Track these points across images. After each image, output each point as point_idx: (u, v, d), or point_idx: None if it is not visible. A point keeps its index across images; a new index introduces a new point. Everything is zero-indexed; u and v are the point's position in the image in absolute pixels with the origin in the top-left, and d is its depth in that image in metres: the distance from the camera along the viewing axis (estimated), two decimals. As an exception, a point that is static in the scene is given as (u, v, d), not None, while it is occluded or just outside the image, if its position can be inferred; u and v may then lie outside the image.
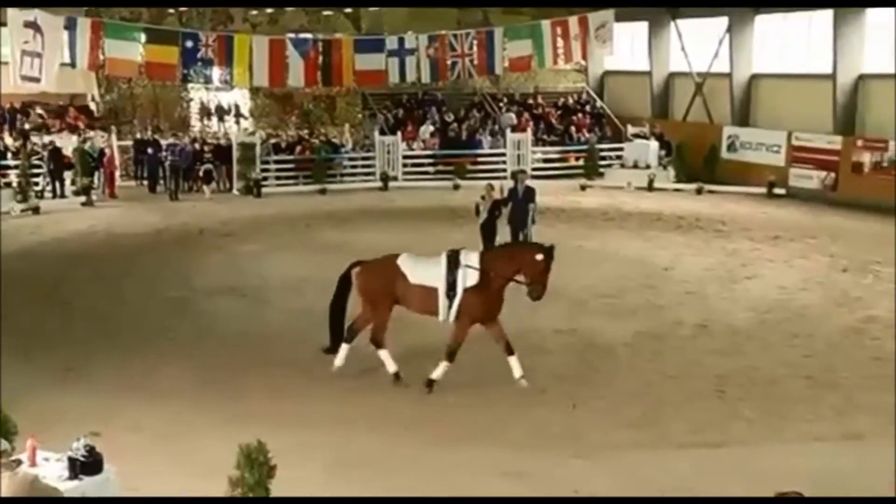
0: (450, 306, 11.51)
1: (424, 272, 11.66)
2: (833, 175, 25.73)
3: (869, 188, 24.36)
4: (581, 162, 30.27)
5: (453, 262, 11.52)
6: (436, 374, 11.63)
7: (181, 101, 32.56)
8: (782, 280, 17.24)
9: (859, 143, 25.15)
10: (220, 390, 11.63)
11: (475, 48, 25.21)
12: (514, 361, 11.73)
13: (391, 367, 11.85)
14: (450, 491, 8.72)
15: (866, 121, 25.75)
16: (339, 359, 12.03)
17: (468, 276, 11.43)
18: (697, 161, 28.90)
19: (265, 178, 28.51)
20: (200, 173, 28.17)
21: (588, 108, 34.24)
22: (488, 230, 17.68)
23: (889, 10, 24.55)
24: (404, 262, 11.81)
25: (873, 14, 25.15)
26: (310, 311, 15.52)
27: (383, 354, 11.89)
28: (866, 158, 24.80)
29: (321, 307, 15.69)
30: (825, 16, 25.88)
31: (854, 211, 23.58)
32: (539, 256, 11.55)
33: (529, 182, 19.11)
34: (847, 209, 23.88)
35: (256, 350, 13.38)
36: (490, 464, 9.51)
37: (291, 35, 28.21)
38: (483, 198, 17.97)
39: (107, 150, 27.68)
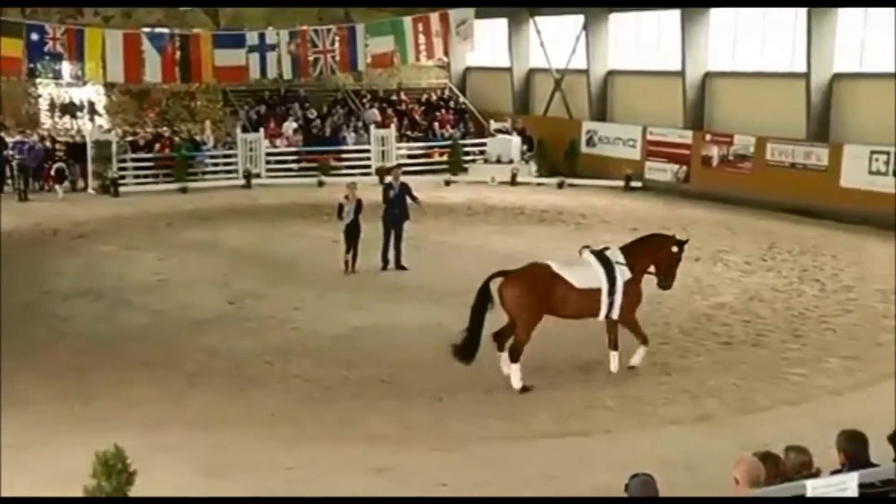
0: (611, 304, 11.79)
1: (586, 275, 11.77)
2: (685, 168, 26.78)
3: (718, 180, 25.49)
4: (445, 157, 30.54)
5: (606, 262, 11.84)
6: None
7: (28, 97, 31.11)
8: (639, 270, 17.79)
9: (707, 137, 26.26)
10: (75, 396, 11.27)
11: (337, 44, 25.07)
12: (640, 351, 12.26)
13: (518, 382, 11.51)
14: (315, 488, 8.69)
15: (713, 116, 26.93)
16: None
17: (624, 273, 11.83)
18: (558, 155, 29.60)
19: (123, 177, 27.61)
20: (52, 172, 27.05)
21: (451, 104, 34.56)
22: (353, 230, 17.57)
23: (731, 11, 25.75)
24: (562, 269, 11.78)
25: (717, 15, 26.31)
26: (171, 312, 15.22)
27: (515, 369, 11.55)
28: (714, 152, 25.91)
29: (183, 307, 15.47)
30: (674, 15, 26.90)
31: (705, 202, 24.61)
32: (675, 249, 12.22)
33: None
34: (698, 200, 24.90)
35: (115, 353, 13.00)
36: (354, 460, 9.52)
37: (146, 29, 27.38)
38: (347, 198, 17.81)
39: (-52, 149, 26.29)
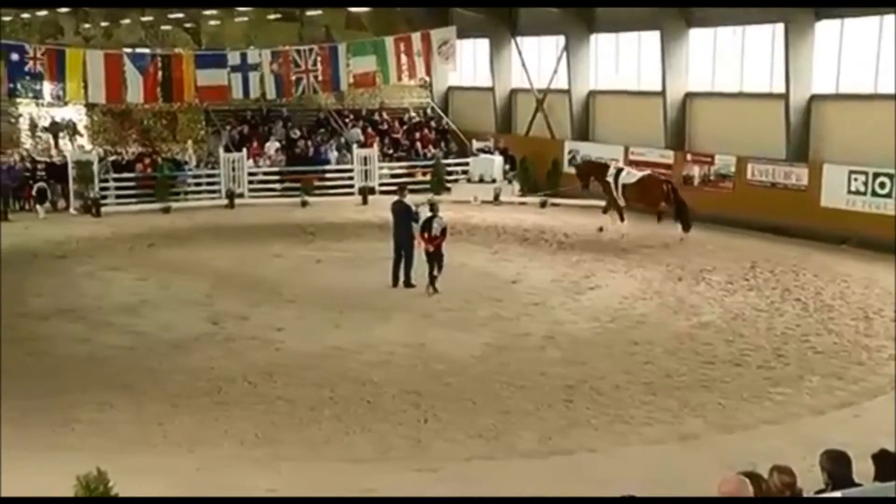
0: None
1: None
2: (667, 188, 26.84)
3: (699, 200, 25.48)
4: (428, 177, 30.58)
5: None
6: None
7: (8, 117, 30.91)
8: (623, 290, 17.82)
9: (688, 157, 26.40)
10: (54, 418, 11.12)
11: (319, 64, 25.12)
12: None
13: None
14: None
15: (694, 136, 27.09)
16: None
17: None
18: (541, 175, 29.67)
19: (104, 197, 27.49)
20: (33, 192, 26.88)
21: (433, 123, 34.64)
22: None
23: (710, 31, 25.95)
24: None
25: (696, 35, 26.49)
26: (152, 333, 15.10)
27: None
28: (695, 172, 26.04)
29: (164, 328, 15.35)
30: (654, 36, 27.08)
31: (687, 222, 24.61)
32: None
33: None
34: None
35: (94, 374, 12.88)
36: (337, 481, 9.46)
37: (128, 50, 27.35)
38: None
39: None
